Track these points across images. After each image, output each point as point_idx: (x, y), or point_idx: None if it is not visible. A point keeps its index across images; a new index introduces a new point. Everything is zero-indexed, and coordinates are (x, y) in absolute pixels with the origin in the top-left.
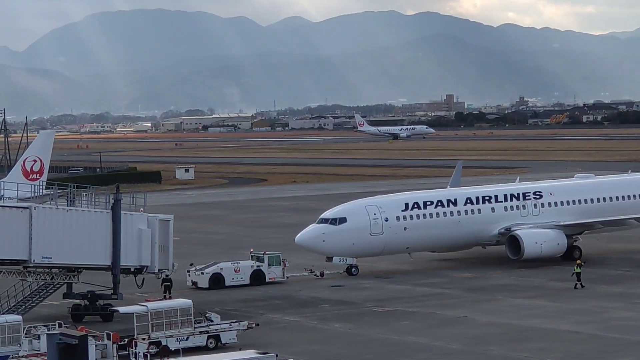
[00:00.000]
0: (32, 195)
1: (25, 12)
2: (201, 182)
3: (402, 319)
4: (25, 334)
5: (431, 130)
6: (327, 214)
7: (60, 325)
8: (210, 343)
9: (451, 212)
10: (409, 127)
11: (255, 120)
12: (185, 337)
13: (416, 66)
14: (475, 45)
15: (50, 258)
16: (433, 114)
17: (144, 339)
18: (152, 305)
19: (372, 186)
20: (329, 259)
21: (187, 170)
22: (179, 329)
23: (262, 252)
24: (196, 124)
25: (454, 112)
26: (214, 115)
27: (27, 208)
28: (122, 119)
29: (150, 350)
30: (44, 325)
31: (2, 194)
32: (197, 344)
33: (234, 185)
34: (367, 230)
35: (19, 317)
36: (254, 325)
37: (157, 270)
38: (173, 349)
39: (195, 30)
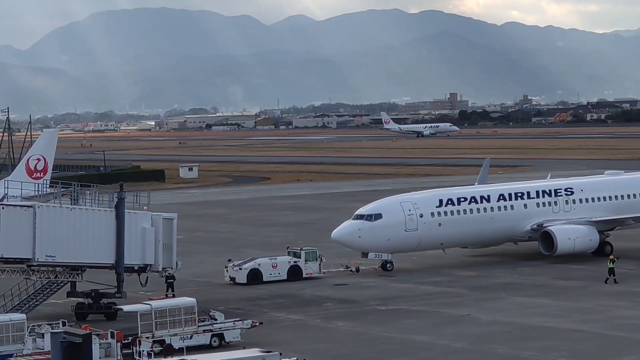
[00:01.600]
0: (36, 194)
1: (29, 10)
2: (205, 180)
3: (406, 317)
4: (29, 332)
5: (455, 128)
6: (363, 210)
7: (64, 324)
8: (214, 341)
9: (484, 209)
10: (432, 125)
11: (259, 118)
12: (189, 336)
13: (420, 65)
14: (479, 44)
15: (54, 257)
16: (437, 112)
17: (147, 338)
18: (156, 303)
19: (376, 185)
20: (365, 254)
21: (190, 169)
22: (183, 327)
23: (299, 248)
24: (200, 122)
25: (458, 111)
26: (217, 114)
27: (31, 207)
28: (126, 118)
29: (154, 349)
30: (48, 324)
31: (6, 192)
32: (201, 343)
33: (237, 184)
34: (402, 226)
35: (23, 316)
36: (257, 323)
37: (160, 269)
38: (177, 348)
39: (198, 29)
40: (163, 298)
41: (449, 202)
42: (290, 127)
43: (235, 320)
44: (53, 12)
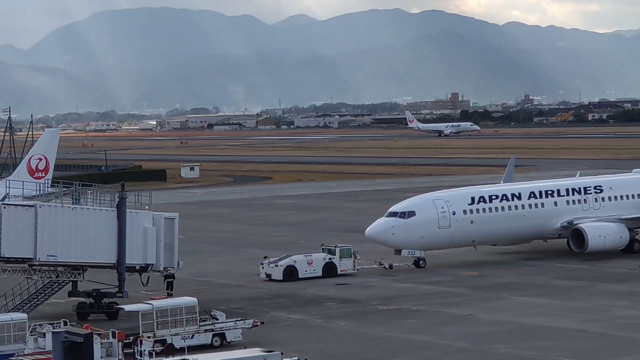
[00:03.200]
0: (38, 193)
1: (30, 10)
2: (206, 180)
3: (407, 317)
4: (31, 332)
5: (476, 127)
6: (396, 207)
7: (65, 324)
8: (216, 341)
9: (515, 206)
10: (454, 124)
11: (260, 118)
12: (190, 335)
13: (421, 64)
14: (480, 44)
15: (56, 256)
16: (438, 112)
17: (149, 337)
18: (158, 303)
19: (378, 184)
20: (398, 251)
21: (192, 169)
22: (184, 327)
23: (334, 245)
24: (201, 122)
25: (459, 111)
26: (219, 114)
27: (33, 206)
28: (127, 117)
29: (155, 349)
30: (49, 324)
31: (7, 192)
32: (203, 342)
33: (239, 184)
34: (435, 223)
35: (24, 315)
36: (259, 323)
37: (162, 269)
38: (178, 347)
39: (200, 29)
40: (164, 298)
41: (481, 200)
42: (292, 126)
43: (237, 320)
44: (54, 12)
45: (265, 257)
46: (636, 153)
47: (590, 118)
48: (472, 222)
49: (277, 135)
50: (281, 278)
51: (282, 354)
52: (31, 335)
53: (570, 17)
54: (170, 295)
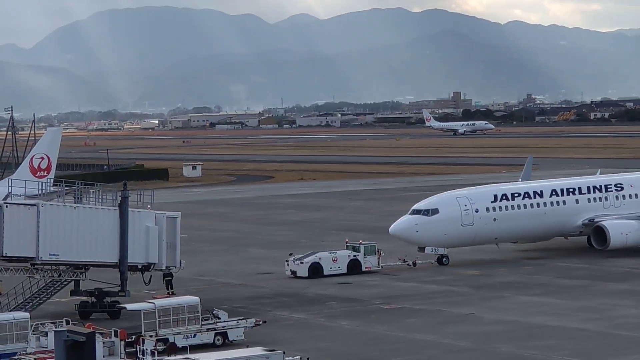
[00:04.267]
0: (40, 192)
1: (32, 9)
2: (208, 179)
3: (409, 316)
4: (33, 331)
5: (491, 126)
6: (420, 205)
7: (67, 323)
8: (218, 340)
9: (537, 204)
10: (468, 122)
11: (262, 117)
12: (192, 334)
13: (423, 64)
14: (482, 43)
15: (58, 255)
16: (440, 111)
17: (151, 336)
18: (160, 302)
19: (380, 183)
20: (421, 249)
21: (194, 168)
22: (187, 326)
23: (358, 242)
24: (204, 121)
25: (461, 110)
26: (221, 113)
27: (35, 205)
28: (130, 117)
29: (157, 348)
30: (52, 323)
31: (9, 191)
32: (205, 341)
33: (241, 183)
34: (459, 221)
35: (27, 314)
36: (261, 322)
37: (164, 268)
38: (180, 346)
39: (202, 28)
40: (166, 297)
41: (504, 198)
42: (294, 126)
43: (239, 319)
44: (56, 11)
45: (291, 254)
46: (638, 152)
47: (592, 117)
48: (494, 219)
49: (279, 135)
50: (306, 275)
51: (284, 353)
52: (33, 335)
53: (572, 16)
54: (171, 294)
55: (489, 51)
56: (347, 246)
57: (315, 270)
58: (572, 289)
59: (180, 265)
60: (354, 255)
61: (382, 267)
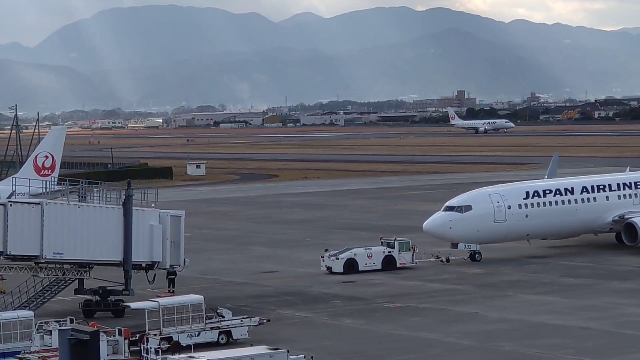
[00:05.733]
0: (44, 191)
1: (36, 8)
2: (212, 178)
3: (413, 315)
4: (37, 329)
5: (511, 124)
6: (453, 202)
7: (71, 321)
8: (222, 339)
9: (569, 201)
10: (489, 121)
11: (266, 116)
12: (196, 333)
13: (427, 62)
14: (486, 41)
15: (62, 254)
16: (444, 109)
17: (155, 335)
18: (164, 301)
19: (384, 182)
20: (454, 245)
21: (198, 166)
22: (191, 324)
23: (393, 239)
24: (207, 120)
25: (465, 108)
26: (225, 112)
27: (39, 204)
28: (134, 115)
29: (161, 346)
30: (56, 321)
31: (13, 189)
32: (209, 340)
33: (245, 181)
34: (492, 217)
35: (31, 313)
36: (265, 321)
37: (168, 266)
38: (184, 345)
39: (206, 27)
40: (170, 295)
41: (535, 194)
42: (298, 124)
43: (243, 318)
44: (60, 10)
45: (326, 250)
46: None
47: (596, 116)
48: (526, 216)
49: (283, 133)
50: (342, 271)
51: (288, 351)
52: (37, 333)
53: (576, 14)
54: (171, 292)
55: (493, 50)
56: (382, 242)
57: (351, 266)
58: (576, 287)
59: (184, 263)
60: (389, 252)
61: (416, 263)
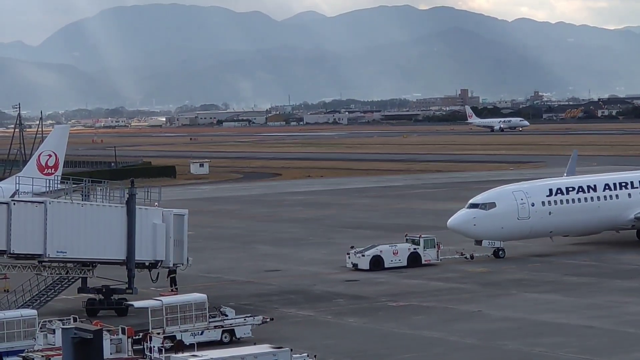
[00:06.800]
0: (47, 189)
1: (39, 7)
2: (216, 176)
3: (417, 313)
4: (40, 328)
5: (526, 123)
6: (477, 199)
7: (75, 320)
8: (225, 337)
9: (591, 198)
10: (505, 119)
11: (269, 115)
12: (199, 332)
13: (430, 61)
14: (489, 40)
15: (65, 252)
16: (448, 108)
17: (158, 334)
18: (167, 299)
19: (387, 181)
20: (478, 242)
21: (201, 165)
22: (194, 323)
23: (418, 236)
24: (211, 118)
25: (469, 107)
26: (228, 110)
27: (42, 203)
28: (137, 114)
29: (165, 345)
30: (59, 320)
31: (17, 188)
32: (212, 339)
33: (248, 180)
34: (515, 214)
35: (34, 312)
36: (268, 319)
37: (171, 265)
38: (187, 344)
39: (209, 25)
40: (174, 294)
41: (559, 192)
42: (301, 123)
43: (246, 316)
44: (63, 9)
45: (352, 247)
46: None
47: (599, 114)
48: (550, 213)
49: (286, 132)
50: (368, 267)
51: (291, 350)
52: (41, 332)
53: (579, 13)
54: (174, 291)
55: (496, 48)
56: (407, 239)
57: (377, 263)
58: (579, 286)
59: (187, 262)
60: (414, 249)
61: (441, 260)
